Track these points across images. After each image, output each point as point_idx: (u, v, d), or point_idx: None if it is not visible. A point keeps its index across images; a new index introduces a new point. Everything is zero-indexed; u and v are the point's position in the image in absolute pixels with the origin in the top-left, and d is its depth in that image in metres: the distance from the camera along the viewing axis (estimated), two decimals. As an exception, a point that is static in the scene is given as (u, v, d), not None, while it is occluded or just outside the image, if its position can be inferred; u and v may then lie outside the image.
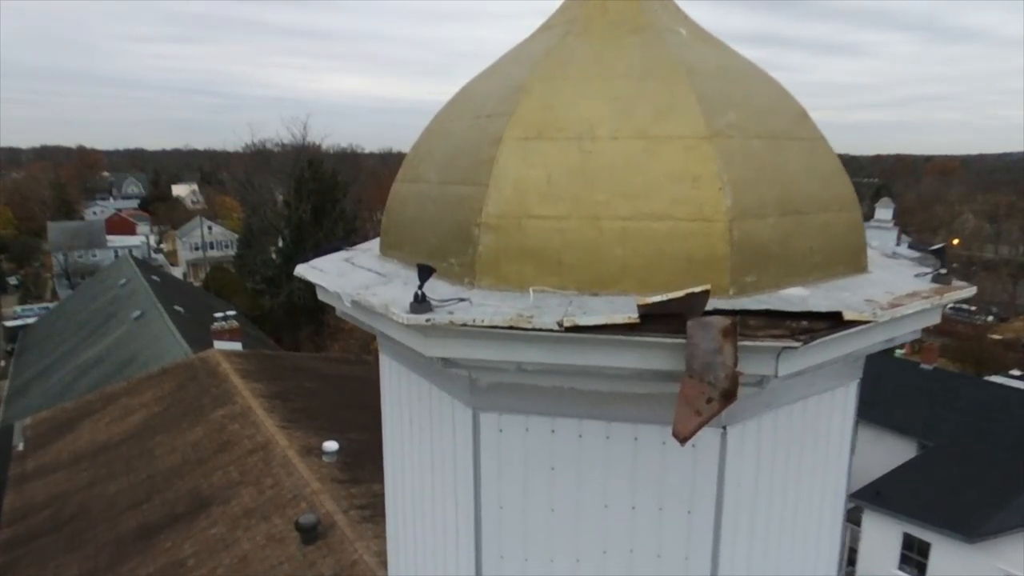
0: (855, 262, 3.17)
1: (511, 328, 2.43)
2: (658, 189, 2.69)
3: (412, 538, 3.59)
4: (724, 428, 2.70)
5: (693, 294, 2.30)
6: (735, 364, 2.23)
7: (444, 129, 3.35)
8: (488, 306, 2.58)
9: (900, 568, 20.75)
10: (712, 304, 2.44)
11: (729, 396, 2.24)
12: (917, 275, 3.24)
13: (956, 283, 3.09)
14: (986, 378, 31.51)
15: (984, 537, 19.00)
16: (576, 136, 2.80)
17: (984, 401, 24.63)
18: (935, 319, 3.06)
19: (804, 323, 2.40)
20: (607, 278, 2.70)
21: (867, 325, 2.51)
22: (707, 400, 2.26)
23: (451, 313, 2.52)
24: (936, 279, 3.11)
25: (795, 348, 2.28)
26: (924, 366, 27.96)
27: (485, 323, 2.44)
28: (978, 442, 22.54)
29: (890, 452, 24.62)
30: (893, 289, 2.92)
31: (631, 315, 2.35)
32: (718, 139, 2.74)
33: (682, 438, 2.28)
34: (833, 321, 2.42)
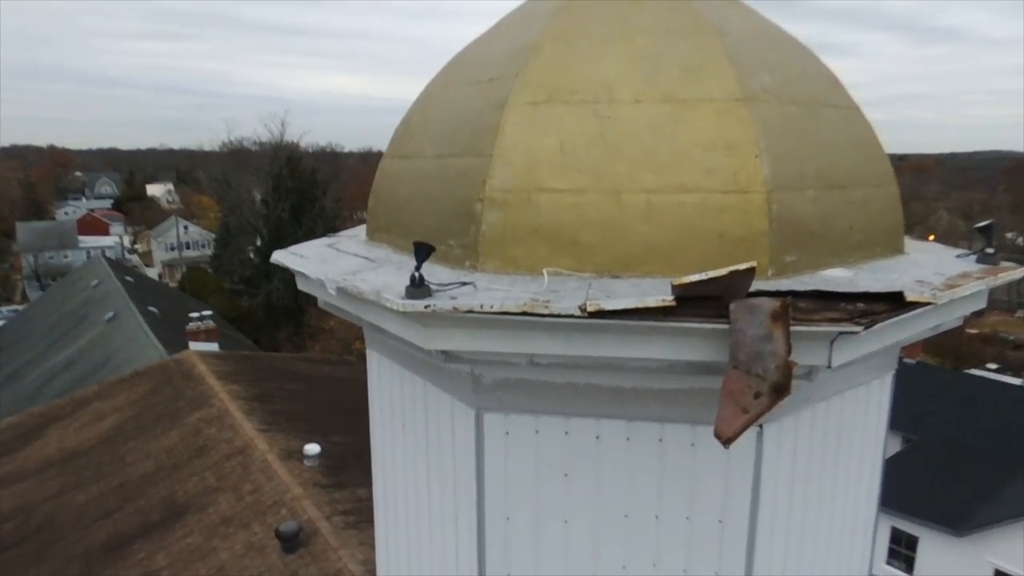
0: (894, 242, 2.90)
1: (525, 315, 2.10)
2: (687, 158, 2.38)
3: (406, 556, 3.24)
4: (761, 427, 2.41)
5: (737, 272, 1.99)
6: (788, 353, 1.93)
7: (440, 98, 3.01)
8: (496, 291, 2.25)
9: (888, 562, 20.80)
10: (753, 287, 2.13)
11: (781, 390, 1.93)
12: (959, 256, 2.97)
13: (1004, 263, 2.82)
14: (966, 371, 31.86)
15: (972, 530, 19.08)
16: (593, 99, 2.48)
17: (968, 395, 24.81)
18: (982, 303, 2.80)
19: (861, 306, 2.10)
20: (630, 259, 2.38)
21: (927, 308, 2.22)
22: (755, 395, 1.95)
23: (454, 298, 2.18)
24: (982, 259, 2.84)
25: (855, 333, 1.98)
26: (908, 360, 28.18)
27: (495, 309, 2.10)
28: (963, 436, 22.67)
29: (874, 446, 24.49)
30: (941, 270, 2.64)
31: (665, 297, 2.03)
32: (753, 102, 2.44)
33: (726, 439, 1.97)
34: (893, 303, 2.13)
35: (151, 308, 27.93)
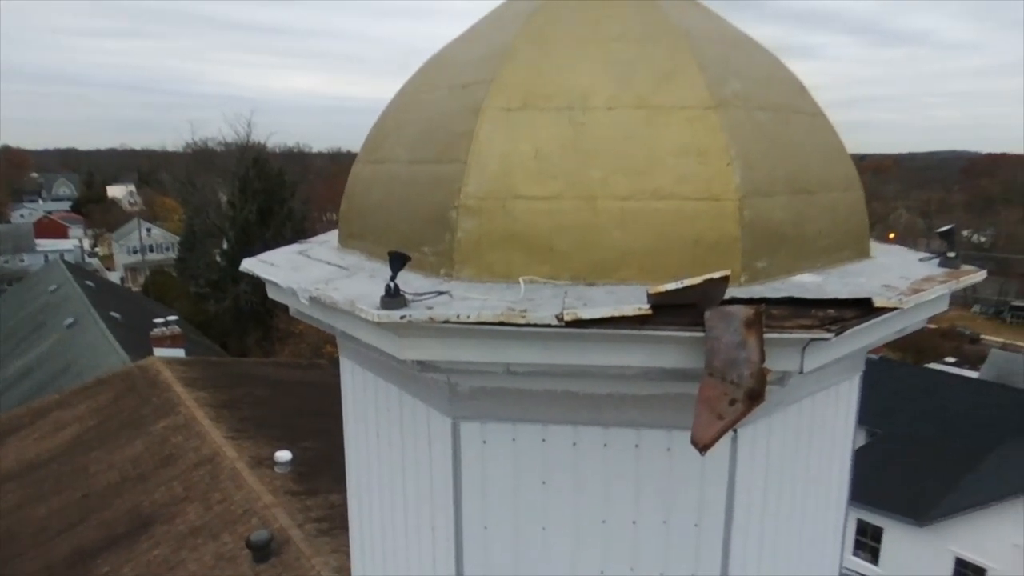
0: (859, 246, 2.96)
1: (501, 324, 2.09)
2: (661, 164, 2.40)
3: (381, 566, 3.20)
4: (735, 431, 2.43)
5: (712, 280, 2.01)
6: (762, 360, 1.95)
7: (414, 102, 2.98)
8: (472, 299, 2.23)
9: (854, 554, 21.35)
10: (727, 294, 2.15)
11: (755, 397, 1.96)
12: (922, 259, 3.05)
13: (965, 267, 2.91)
14: (925, 366, 32.85)
15: (934, 520, 19.71)
16: (567, 106, 2.48)
17: (928, 388, 25.66)
18: (944, 305, 2.87)
19: (831, 312, 2.14)
20: (605, 265, 2.39)
21: (893, 313, 2.27)
22: (730, 402, 1.97)
23: (430, 308, 2.16)
24: (944, 263, 2.92)
25: (826, 340, 2.02)
26: (871, 356, 28.86)
27: (471, 319, 2.09)
28: (925, 428, 23.42)
29: (839, 440, 25.15)
30: (906, 274, 2.71)
31: (641, 306, 2.04)
32: (724, 109, 2.47)
33: (702, 446, 1.98)
34: (861, 309, 2.17)
35: (113, 313, 27.21)
